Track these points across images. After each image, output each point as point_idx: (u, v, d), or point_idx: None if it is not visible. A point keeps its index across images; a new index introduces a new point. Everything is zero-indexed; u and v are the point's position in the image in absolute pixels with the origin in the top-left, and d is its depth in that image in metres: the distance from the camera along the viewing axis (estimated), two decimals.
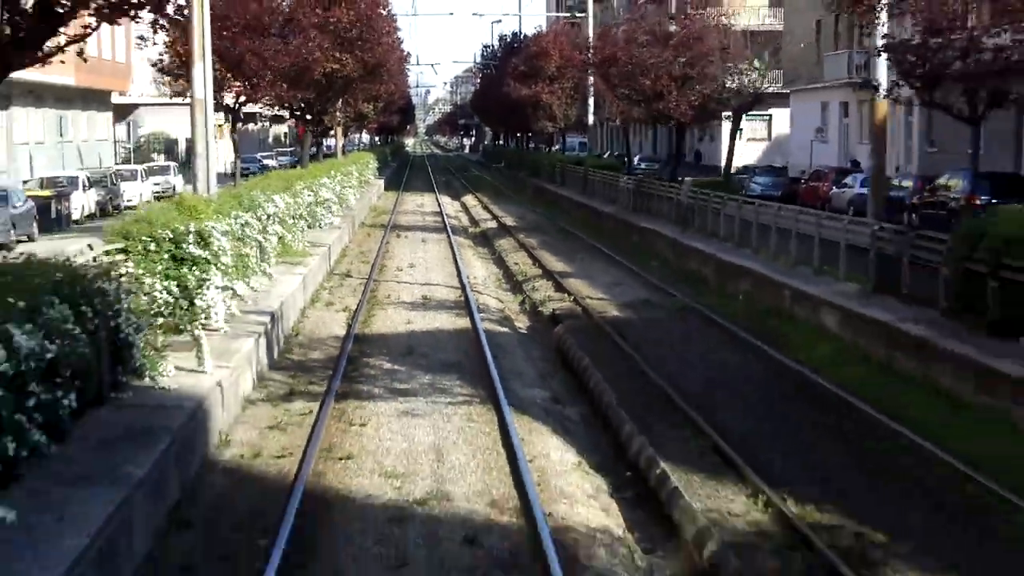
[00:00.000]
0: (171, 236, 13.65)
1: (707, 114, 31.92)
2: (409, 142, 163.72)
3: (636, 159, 54.63)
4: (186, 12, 15.49)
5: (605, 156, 58.39)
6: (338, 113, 39.43)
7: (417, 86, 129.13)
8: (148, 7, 8.99)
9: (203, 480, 9.94)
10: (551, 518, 9.11)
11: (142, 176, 44.67)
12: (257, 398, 13.00)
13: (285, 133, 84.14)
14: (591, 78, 43.07)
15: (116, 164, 50.06)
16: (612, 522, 9.65)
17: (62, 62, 9.17)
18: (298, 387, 13.65)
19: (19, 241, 26.92)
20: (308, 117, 34.03)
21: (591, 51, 40.35)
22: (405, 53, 51.81)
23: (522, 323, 20.00)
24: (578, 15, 62.32)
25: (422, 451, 11.01)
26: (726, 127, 59.11)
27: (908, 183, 31.66)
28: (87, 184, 37.82)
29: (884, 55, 16.85)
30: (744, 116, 58.68)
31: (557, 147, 65.02)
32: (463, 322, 18.67)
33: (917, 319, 14.61)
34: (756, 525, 9.25)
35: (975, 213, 17.33)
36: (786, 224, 21.09)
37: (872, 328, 15.17)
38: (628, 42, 33.82)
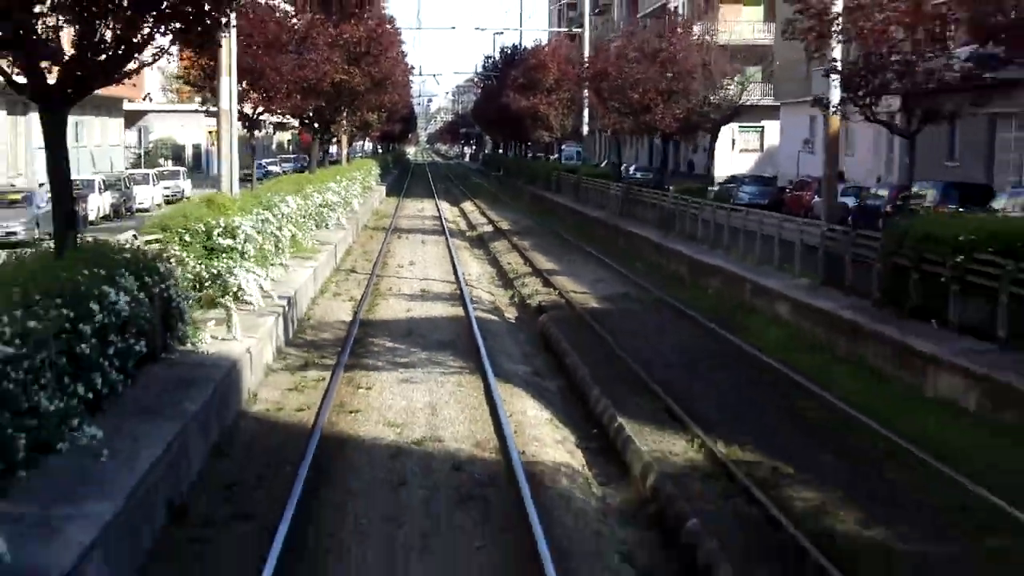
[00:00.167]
0: (204, 229, 15.80)
1: (690, 126, 34.02)
2: (411, 150, 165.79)
3: (632, 168, 56.75)
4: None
5: (602, 165, 60.40)
6: (344, 122, 41.54)
7: (420, 95, 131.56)
8: (210, 34, 10.99)
9: (237, 426, 12.00)
10: (523, 455, 11.15)
11: (153, 180, 46.61)
12: (277, 367, 15.06)
13: (288, 140, 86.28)
14: (585, 91, 45.22)
15: (126, 169, 51.97)
16: (575, 462, 11.70)
17: (134, 84, 11.22)
18: (312, 360, 15.72)
19: (41, 239, 28.97)
20: (316, 126, 36.19)
21: (585, 66, 42.52)
22: (409, 66, 53.96)
23: (511, 314, 22.04)
24: (575, 29, 64.48)
25: (419, 408, 13.08)
26: (722, 138, 61.37)
27: (884, 192, 33.78)
28: (102, 187, 39.85)
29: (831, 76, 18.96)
30: (737, 127, 61.05)
31: (555, 156, 67.16)
32: (457, 311, 20.72)
33: (854, 307, 16.70)
34: (691, 462, 11.32)
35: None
36: (753, 227, 23.21)
37: (816, 316, 17.27)
38: (618, 58, 36.00)
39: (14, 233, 30.30)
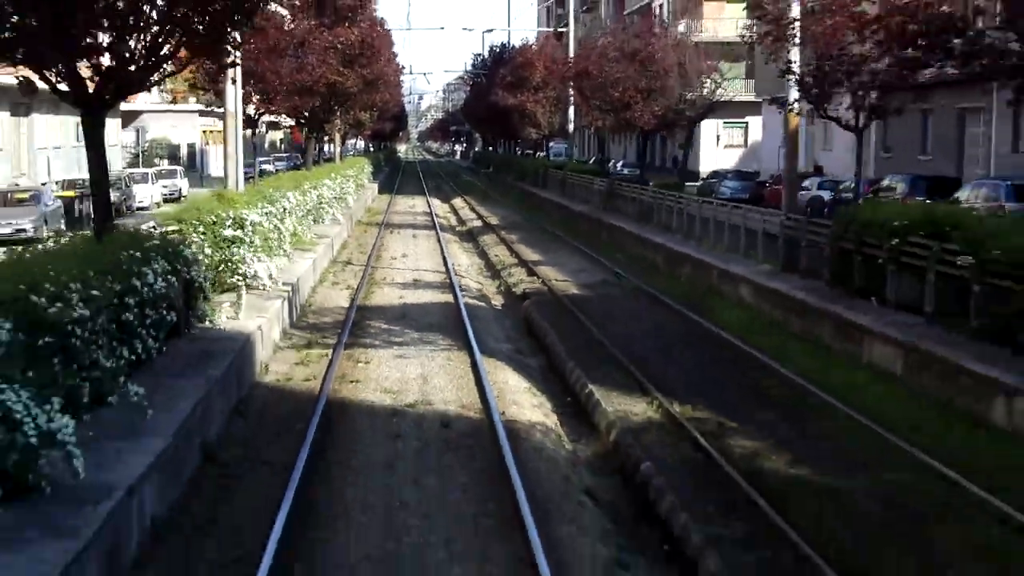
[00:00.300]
0: (215, 220, 17.38)
1: (667, 123, 35.70)
2: (401, 148, 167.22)
3: (619, 164, 58.44)
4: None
5: (591, 162, 62.07)
6: (338, 121, 43.13)
7: (410, 93, 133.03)
8: (228, 55, 12.60)
9: (252, 393, 13.61)
10: (504, 415, 12.77)
11: (152, 179, 47.97)
12: (284, 345, 16.67)
13: (281, 139, 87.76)
14: (571, 89, 46.89)
15: (123, 168, 53.29)
16: (549, 422, 13.33)
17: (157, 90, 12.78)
18: (315, 339, 17.33)
19: (49, 237, 30.46)
20: (311, 125, 37.79)
21: (569, 65, 44.21)
22: (400, 66, 55.56)
23: (497, 301, 23.65)
24: (560, 29, 66.05)
25: (412, 378, 14.71)
26: (706, 134, 63.32)
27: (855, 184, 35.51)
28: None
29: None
30: (722, 123, 62.70)
31: (544, 153, 68.80)
32: (447, 297, 22.34)
33: (807, 289, 18.37)
34: (649, 419, 12.98)
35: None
36: (722, 218, 24.87)
37: (774, 297, 18.94)
38: (600, 57, 37.66)
39: (23, 230, 31.63)
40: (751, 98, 56.03)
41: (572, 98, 49.23)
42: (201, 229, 17.03)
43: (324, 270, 25.27)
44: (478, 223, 42.98)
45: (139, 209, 41.28)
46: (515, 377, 15.28)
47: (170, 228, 16.63)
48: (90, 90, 12.07)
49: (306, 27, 26.49)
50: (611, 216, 36.21)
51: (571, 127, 57.48)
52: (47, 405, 7.50)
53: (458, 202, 56.79)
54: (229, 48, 12.53)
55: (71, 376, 8.66)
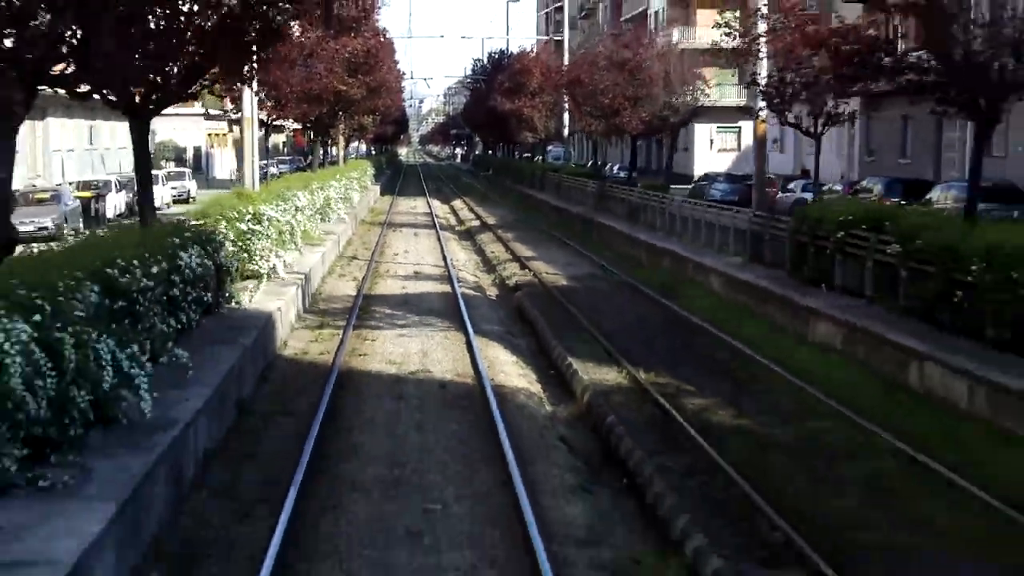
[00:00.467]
0: (236, 215, 19.40)
1: (653, 128, 37.77)
2: (403, 151, 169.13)
3: (616, 167, 60.51)
4: None
5: (587, 165, 64.15)
6: (342, 126, 45.20)
7: (411, 97, 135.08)
8: (251, 71, 14.65)
9: (274, 363, 15.64)
10: (493, 381, 14.77)
11: (162, 181, 49.76)
12: (299, 327, 18.71)
13: (284, 142, 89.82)
14: (565, 95, 48.97)
15: (133, 170, 54.94)
16: (533, 388, 15.34)
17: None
18: (326, 322, 19.36)
19: (68, 234, 32.32)
20: (316, 130, 39.88)
21: (563, 73, 46.33)
22: (401, 73, 57.62)
23: (492, 292, 25.67)
24: (555, 37, 68.10)
25: (413, 352, 16.74)
26: (700, 138, 65.42)
27: (839, 187, 37.55)
28: (118, 187, 43.22)
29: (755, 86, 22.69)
30: (716, 128, 64.74)
31: (542, 157, 70.86)
32: (445, 288, 24.35)
33: (769, 278, 20.40)
34: (619, 384, 15.01)
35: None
36: (699, 216, 26.92)
37: (740, 286, 20.98)
38: (590, 66, 39.74)
39: (45, 228, 33.38)
40: (744, 103, 58.02)
41: (567, 104, 51.28)
42: (224, 223, 19.07)
43: (332, 263, 27.31)
44: (476, 223, 45.00)
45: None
46: (505, 353, 17.30)
47: (199, 221, 18.70)
48: (137, 101, 14.09)
49: (314, 39, 28.55)
50: (602, 216, 38.24)
51: (566, 132, 59.57)
52: (124, 355, 9.50)
53: (458, 203, 58.83)
54: (253, 66, 14.55)
55: (137, 335, 10.65)
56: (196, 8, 11.32)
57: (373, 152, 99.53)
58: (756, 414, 13.21)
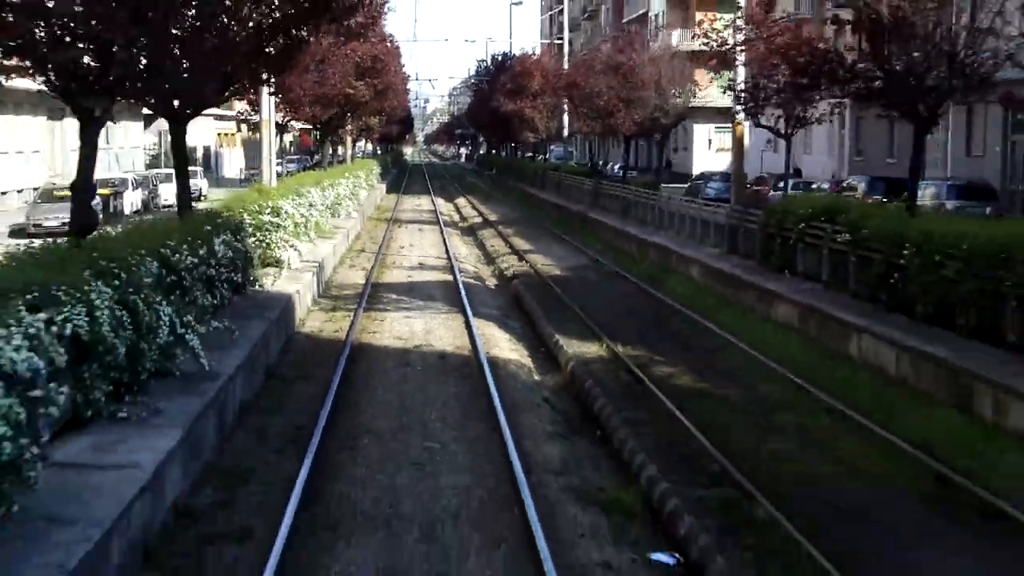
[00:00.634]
0: (257, 209, 21.39)
1: (645, 129, 39.77)
2: (408, 151, 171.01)
3: (617, 166, 62.55)
4: None
5: (590, 164, 66.17)
6: (350, 126, 47.23)
7: (416, 98, 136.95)
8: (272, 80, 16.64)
9: (294, 338, 17.64)
10: (488, 353, 16.75)
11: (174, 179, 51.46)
12: (314, 309, 20.71)
13: (291, 142, 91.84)
14: (564, 97, 50.99)
15: (144, 169, 56.82)
16: (524, 361, 17.32)
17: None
18: (339, 306, 21.36)
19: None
20: (326, 130, 41.92)
21: (561, 76, 48.35)
22: (407, 76, 59.61)
23: (491, 282, 27.66)
24: (556, 41, 70.01)
25: (418, 330, 18.74)
26: (699, 138, 67.41)
27: (826, 186, 39.55)
28: (134, 185, 45.12)
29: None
30: (714, 128, 66.65)
31: (545, 157, 72.92)
32: (447, 277, 26.35)
33: (742, 266, 22.37)
34: (599, 356, 17.00)
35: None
36: (684, 211, 28.91)
37: (716, 274, 22.95)
38: (587, 69, 41.73)
39: (68, 223, 35.42)
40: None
41: (566, 105, 53.30)
42: (247, 216, 21.07)
43: (342, 255, 29.32)
44: (479, 219, 46.99)
45: (164, 207, 44.94)
46: (500, 332, 19.29)
47: (227, 213, 20.69)
48: (176, 107, 16.09)
49: (326, 45, 30.52)
50: (597, 212, 40.22)
51: (566, 132, 61.53)
52: (179, 319, 11.49)
53: (461, 201, 60.83)
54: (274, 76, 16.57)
55: (185, 305, 12.65)
56: (235, 28, 13.23)
57: (379, 152, 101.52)
58: (714, 378, 15.20)
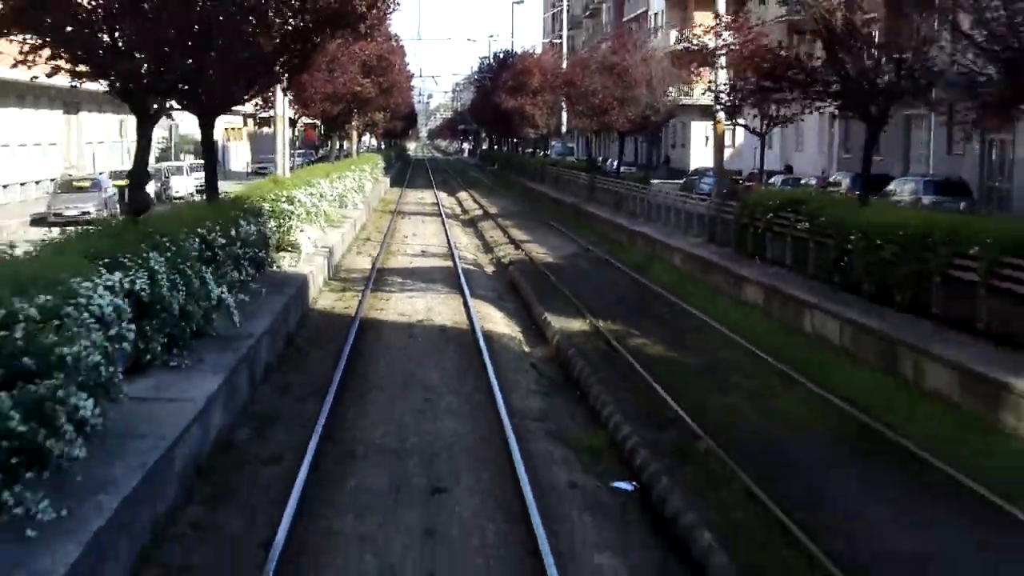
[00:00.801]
0: (273, 197, 23.36)
1: (638, 126, 41.74)
2: (411, 146, 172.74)
3: (614, 162, 64.51)
4: None
5: (599, 161, 68.12)
6: (355, 121, 49.16)
7: (420, 94, 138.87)
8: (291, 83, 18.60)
9: (308, 314, 19.61)
10: (482, 327, 18.70)
11: (187, 172, 53.37)
12: (325, 290, 22.68)
13: (296, 137, 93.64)
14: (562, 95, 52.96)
15: (154, 162, 58.51)
16: (515, 335, 19.27)
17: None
18: (348, 288, 23.34)
19: (108, 218, 35.89)
20: (333, 126, 43.90)
21: (558, 75, 50.32)
22: (411, 74, 61.54)
23: (489, 268, 29.60)
24: (555, 41, 71.81)
25: (420, 308, 20.72)
26: (696, 135, 69.29)
27: (813, 181, 41.51)
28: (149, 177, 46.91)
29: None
30: (710, 125, 68.44)
31: (546, 152, 74.84)
32: (448, 264, 28.32)
33: (719, 254, 24.33)
34: (583, 331, 18.96)
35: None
36: (670, 203, 30.89)
37: (696, 260, 24.92)
38: (583, 68, 43.71)
39: (88, 213, 37.02)
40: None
41: (564, 103, 55.27)
42: (266, 204, 23.03)
43: (349, 243, 31.29)
44: (479, 212, 48.95)
45: (176, 199, 46.71)
46: (494, 311, 21.26)
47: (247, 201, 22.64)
48: (207, 105, 18.04)
49: (335, 46, 32.44)
50: (592, 205, 42.20)
51: (564, 128, 63.48)
52: (219, 287, 13.45)
53: (463, 195, 62.79)
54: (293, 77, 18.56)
55: (219, 278, 14.62)
56: (262, 40, 15.17)
57: (383, 146, 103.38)
58: (682, 349, 17.18)
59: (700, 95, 44.73)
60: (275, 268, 20.31)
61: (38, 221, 35.13)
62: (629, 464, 11.63)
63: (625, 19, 78.54)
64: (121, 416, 9.52)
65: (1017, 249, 13.35)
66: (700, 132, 69.47)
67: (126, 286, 10.36)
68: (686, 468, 11.25)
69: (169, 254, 12.03)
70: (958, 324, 14.38)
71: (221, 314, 13.60)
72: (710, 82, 26.21)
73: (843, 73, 18.80)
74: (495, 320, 20.05)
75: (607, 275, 26.51)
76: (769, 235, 21.82)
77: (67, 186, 39.69)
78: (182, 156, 66.40)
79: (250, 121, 75.02)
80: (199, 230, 14.32)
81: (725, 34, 25.77)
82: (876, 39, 18.30)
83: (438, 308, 20.75)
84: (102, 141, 53.84)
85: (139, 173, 14.38)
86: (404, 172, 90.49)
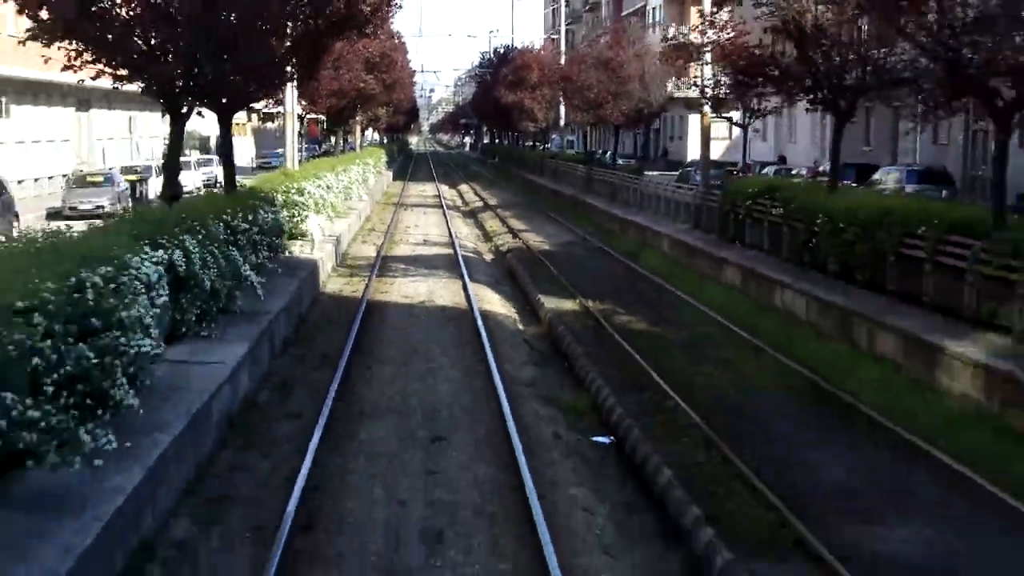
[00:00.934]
0: (284, 188, 24.87)
1: (631, 120, 43.23)
2: (413, 140, 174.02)
3: (611, 154, 66.00)
4: None
5: (598, 154, 69.66)
6: (359, 117, 50.70)
7: (421, 88, 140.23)
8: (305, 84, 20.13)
9: (318, 299, 21.14)
10: (480, 308, 20.20)
11: (194, 167, 54.68)
12: (333, 276, 24.21)
13: (299, 132, 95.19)
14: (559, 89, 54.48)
15: (162, 157, 59.70)
16: (511, 315, 20.79)
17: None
18: (355, 273, 24.86)
19: (121, 212, 37.33)
20: (338, 121, 45.42)
21: (555, 70, 51.83)
22: (413, 70, 63.03)
23: (488, 256, 31.12)
24: (553, 36, 73.20)
25: (422, 291, 22.25)
26: (694, 128, 70.57)
27: (804, 172, 42.97)
28: (158, 172, 48.38)
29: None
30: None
31: (547, 145, 76.37)
32: (449, 252, 29.83)
33: (704, 240, 25.84)
34: (573, 310, 20.49)
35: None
36: (660, 192, 32.40)
37: (681, 246, 26.44)
38: (579, 64, 45.21)
39: (102, 207, 38.38)
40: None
41: (561, 97, 56.77)
42: (278, 194, 24.54)
43: (355, 233, 32.81)
44: (480, 204, 50.46)
45: (185, 193, 48.11)
46: (492, 294, 22.78)
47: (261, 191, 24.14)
48: (223, 103, 19.56)
49: (341, 44, 33.92)
50: (588, 196, 43.70)
51: (562, 122, 64.95)
52: (244, 266, 14.96)
53: (464, 187, 64.28)
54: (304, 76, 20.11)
55: (244, 260, 16.14)
56: (277, 44, 16.69)
57: (385, 141, 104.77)
58: (664, 325, 18.71)
59: (693, 89, 46.37)
60: (287, 254, 21.82)
61: (54, 215, 36.39)
62: (608, 423, 13.15)
63: (624, 13, 79.92)
64: (165, 374, 11.05)
65: (960, 228, 14.85)
66: (696, 125, 70.69)
67: (165, 261, 11.89)
68: (657, 423, 12.77)
69: (200, 236, 13.55)
70: (909, 298, 15.87)
71: (244, 292, 15.11)
72: (695, 77, 27.67)
73: (813, 71, 20.30)
74: (492, 302, 21.56)
75: (600, 261, 28.04)
76: (749, 221, 23.31)
77: (81, 181, 40.86)
78: (187, 152, 67.87)
79: (253, 116, 76.59)
80: (223, 216, 15.84)
81: (710, 31, 27.17)
82: (842, 39, 19.77)
83: (439, 291, 22.27)
84: (112, 137, 55.13)
85: (172, 165, 15.88)
86: (406, 166, 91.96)
